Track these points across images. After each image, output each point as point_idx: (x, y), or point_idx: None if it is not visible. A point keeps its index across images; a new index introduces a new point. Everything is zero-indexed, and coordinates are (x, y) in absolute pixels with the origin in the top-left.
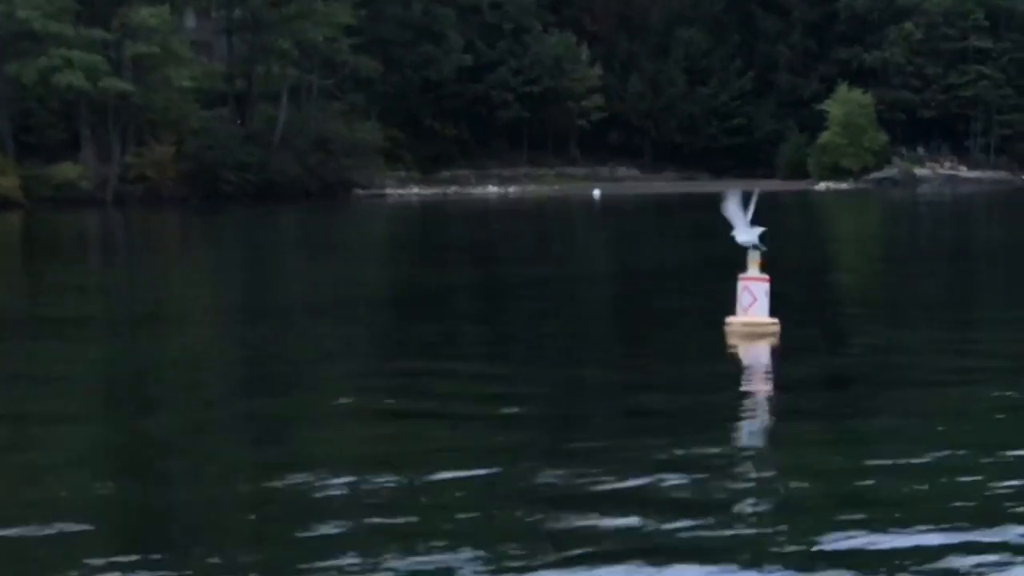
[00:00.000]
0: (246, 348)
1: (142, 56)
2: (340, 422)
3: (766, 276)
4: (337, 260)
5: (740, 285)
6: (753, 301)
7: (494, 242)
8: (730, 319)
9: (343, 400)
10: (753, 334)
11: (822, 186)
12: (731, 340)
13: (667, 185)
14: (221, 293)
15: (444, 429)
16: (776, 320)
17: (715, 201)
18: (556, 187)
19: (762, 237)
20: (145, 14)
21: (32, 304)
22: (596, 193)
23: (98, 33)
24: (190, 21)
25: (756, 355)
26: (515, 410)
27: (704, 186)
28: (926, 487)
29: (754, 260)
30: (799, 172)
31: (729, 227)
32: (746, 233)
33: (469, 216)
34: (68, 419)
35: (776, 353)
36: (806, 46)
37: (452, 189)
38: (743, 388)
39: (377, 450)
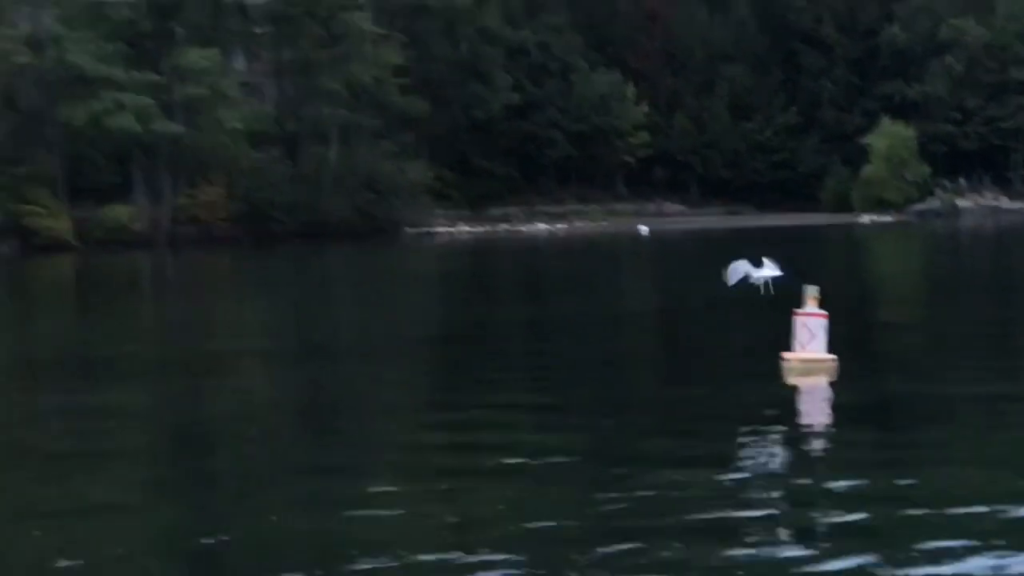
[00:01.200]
0: (299, 391)
1: (192, 98)
2: (394, 475)
3: (824, 312)
4: (389, 299)
5: (797, 321)
6: (811, 337)
7: (546, 279)
8: (787, 355)
9: (396, 454)
10: (810, 370)
11: (866, 219)
12: (788, 376)
13: (713, 220)
14: (274, 335)
15: (500, 481)
16: (834, 356)
17: (722, 274)
18: (604, 223)
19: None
20: (195, 56)
21: (84, 346)
22: (644, 229)
23: (149, 76)
24: (239, 63)
25: (813, 390)
26: (572, 460)
27: (750, 220)
28: (984, 516)
29: (811, 296)
30: (843, 205)
31: (748, 282)
32: (759, 271)
33: (519, 253)
34: (122, 461)
35: (833, 388)
36: (849, 81)
37: (501, 227)
38: (801, 421)
39: (433, 510)
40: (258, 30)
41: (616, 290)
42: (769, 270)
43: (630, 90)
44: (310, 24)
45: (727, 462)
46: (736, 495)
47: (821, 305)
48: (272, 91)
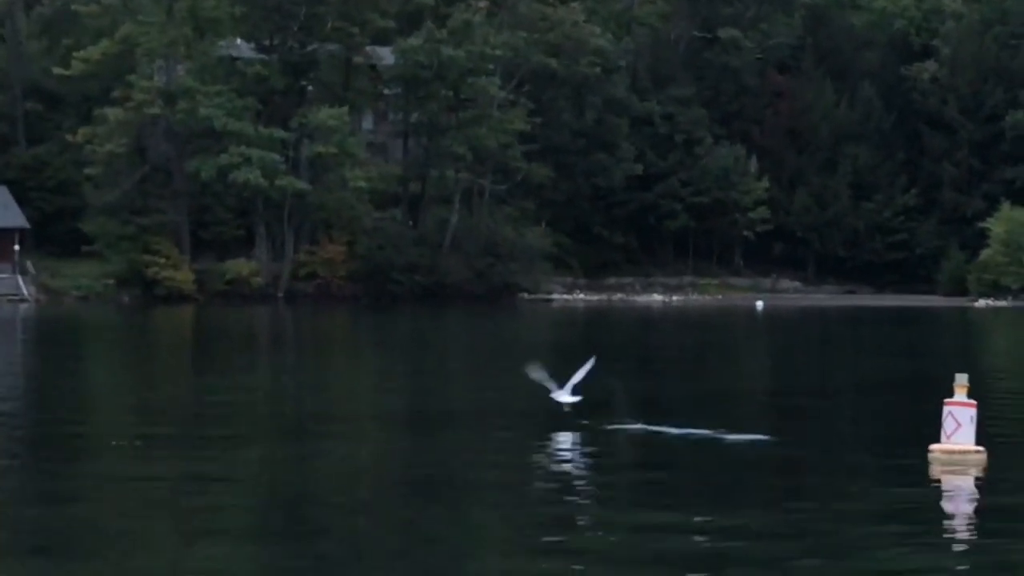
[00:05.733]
0: (410, 458)
1: (319, 156)
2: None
3: (972, 401)
4: (503, 367)
5: (944, 410)
6: (957, 427)
7: (663, 353)
8: (933, 446)
9: (500, 530)
10: (957, 462)
11: (981, 303)
12: (934, 468)
13: (827, 298)
14: (389, 398)
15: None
16: (981, 448)
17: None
18: (719, 297)
19: (574, 390)
20: (324, 115)
21: (198, 403)
22: (759, 304)
23: (277, 132)
24: (367, 123)
25: (958, 485)
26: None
27: (865, 300)
28: None
29: (960, 384)
30: (959, 288)
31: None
32: (562, 394)
33: (634, 324)
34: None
35: (982, 484)
36: (971, 164)
37: (617, 296)
38: (947, 516)
39: None
40: (387, 91)
41: (739, 368)
42: (566, 395)
43: (753, 165)
44: (439, 87)
45: None
46: None
47: (969, 394)
48: (397, 152)
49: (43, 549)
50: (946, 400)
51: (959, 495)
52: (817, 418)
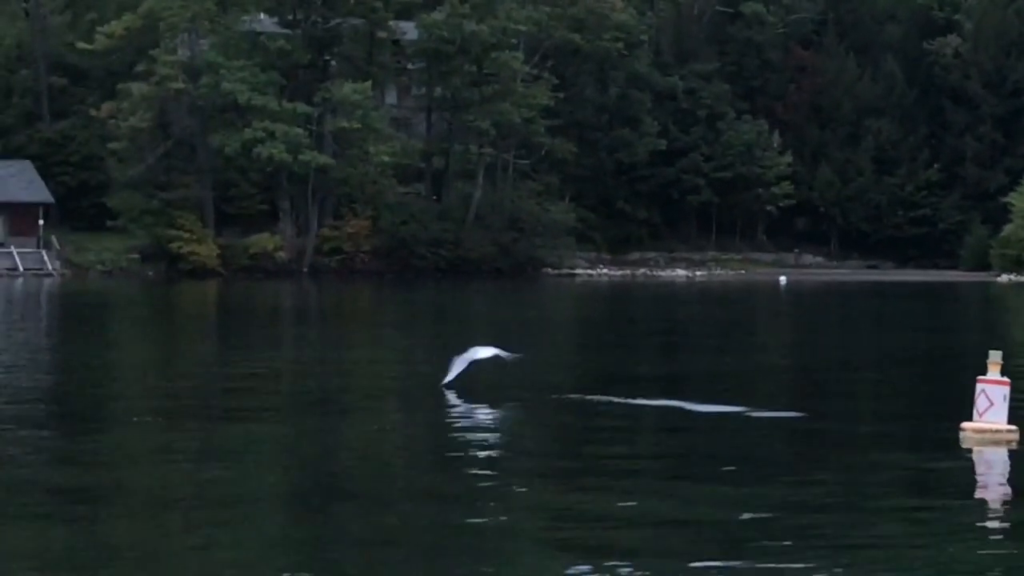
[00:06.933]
0: (432, 435)
1: (343, 131)
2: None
3: (1006, 379)
4: (528, 342)
5: (977, 388)
6: (989, 405)
7: (688, 328)
8: (965, 424)
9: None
10: (988, 441)
11: (1004, 278)
12: (965, 446)
13: (850, 273)
14: (414, 372)
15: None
16: (1014, 427)
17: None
18: (742, 272)
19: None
20: (348, 90)
21: (222, 377)
22: (782, 280)
23: (301, 107)
24: (391, 98)
25: (990, 462)
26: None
27: (888, 275)
28: None
29: (993, 361)
30: (982, 264)
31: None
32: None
33: (658, 299)
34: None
35: (1012, 461)
36: (993, 139)
37: (640, 271)
38: (980, 488)
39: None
40: (411, 66)
41: (765, 343)
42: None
43: (776, 140)
44: (462, 61)
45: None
46: None
47: (1003, 372)
48: (421, 127)
49: (62, 513)
50: (979, 377)
51: (993, 468)
52: (846, 394)
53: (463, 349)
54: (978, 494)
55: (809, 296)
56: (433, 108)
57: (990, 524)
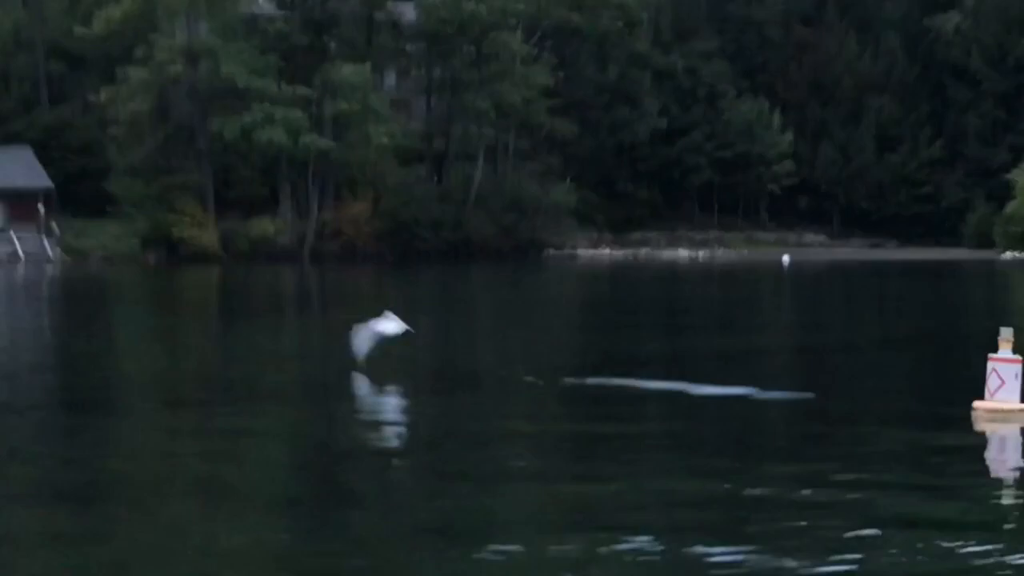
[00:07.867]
0: (437, 420)
1: (342, 113)
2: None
3: (1018, 357)
4: (531, 324)
5: (988, 366)
6: (1001, 384)
7: (691, 308)
8: (977, 403)
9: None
10: (1000, 420)
11: (1008, 255)
12: (978, 426)
13: (853, 251)
14: (417, 358)
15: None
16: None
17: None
18: (745, 251)
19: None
20: (347, 72)
21: (225, 362)
22: (785, 259)
23: (300, 90)
24: (390, 80)
25: (1002, 441)
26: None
27: (891, 253)
28: None
29: (1005, 338)
30: (985, 241)
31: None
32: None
33: (660, 280)
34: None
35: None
36: (996, 116)
37: (642, 251)
38: (992, 476)
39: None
40: (410, 48)
41: (777, 322)
42: (394, 324)
43: (777, 118)
44: (461, 42)
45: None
46: None
47: (1014, 349)
48: (421, 108)
49: (67, 498)
50: (990, 355)
51: (1005, 447)
52: (853, 374)
53: (363, 322)
54: (991, 473)
55: (813, 275)
56: (433, 90)
57: (1004, 502)
